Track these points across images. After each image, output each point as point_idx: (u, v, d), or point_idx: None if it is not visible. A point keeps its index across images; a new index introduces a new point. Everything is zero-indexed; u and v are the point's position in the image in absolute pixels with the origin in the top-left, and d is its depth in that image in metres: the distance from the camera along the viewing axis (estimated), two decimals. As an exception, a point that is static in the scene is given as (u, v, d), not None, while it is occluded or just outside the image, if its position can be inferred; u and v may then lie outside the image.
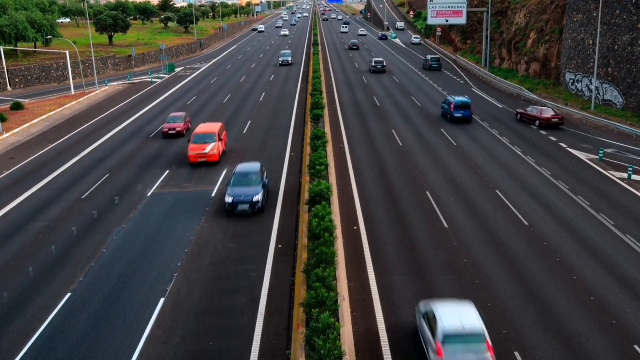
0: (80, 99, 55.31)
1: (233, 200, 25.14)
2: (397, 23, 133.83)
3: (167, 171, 32.20)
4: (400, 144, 37.29)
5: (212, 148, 32.75)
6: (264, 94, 56.84)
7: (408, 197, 27.62)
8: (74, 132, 43.18)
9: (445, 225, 24.13)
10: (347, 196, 27.76)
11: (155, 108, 51.51)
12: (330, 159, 30.16)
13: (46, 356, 15.94)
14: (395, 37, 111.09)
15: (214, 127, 34.60)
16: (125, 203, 27.50)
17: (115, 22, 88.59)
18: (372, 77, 66.28)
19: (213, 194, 28.26)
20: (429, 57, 73.69)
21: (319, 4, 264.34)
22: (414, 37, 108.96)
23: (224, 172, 31.66)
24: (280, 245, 22.42)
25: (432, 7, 71.33)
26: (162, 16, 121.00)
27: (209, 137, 33.30)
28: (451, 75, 69.03)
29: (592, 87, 47.48)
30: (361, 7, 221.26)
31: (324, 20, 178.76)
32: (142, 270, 20.69)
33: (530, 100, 52.31)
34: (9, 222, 25.75)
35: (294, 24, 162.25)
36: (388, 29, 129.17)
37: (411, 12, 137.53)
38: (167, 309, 18.09)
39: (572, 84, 52.17)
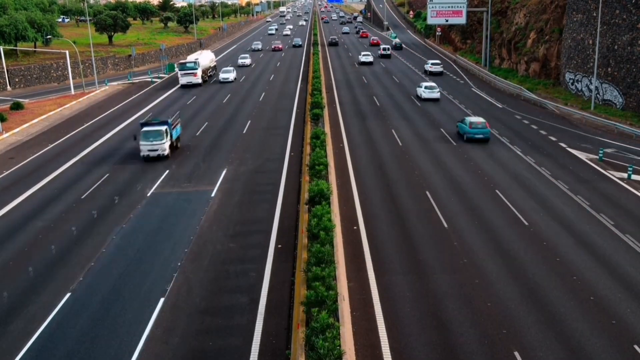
0: (80, 99, 55.28)
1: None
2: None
3: (167, 171, 32.19)
4: (400, 144, 37.28)
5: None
6: (263, 94, 56.84)
7: (408, 197, 27.62)
8: (74, 132, 43.17)
9: (445, 225, 24.13)
10: (347, 196, 27.76)
11: (155, 108, 51.49)
12: (330, 158, 30.16)
13: (46, 356, 15.94)
14: (395, 37, 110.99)
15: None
16: (125, 203, 27.50)
17: (115, 22, 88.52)
18: (372, 78, 66.28)
19: (213, 194, 28.26)
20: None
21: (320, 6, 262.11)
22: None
23: (224, 172, 31.68)
24: (280, 245, 22.42)
25: (432, 7, 71.38)
26: (162, 16, 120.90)
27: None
28: (451, 75, 69.05)
29: (592, 87, 47.47)
30: (361, 7, 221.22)
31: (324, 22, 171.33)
32: (142, 270, 20.69)
33: (530, 100, 52.33)
34: (9, 222, 25.74)
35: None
36: (388, 29, 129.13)
37: (411, 12, 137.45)
38: (167, 309, 18.09)
39: (572, 84, 52.17)
